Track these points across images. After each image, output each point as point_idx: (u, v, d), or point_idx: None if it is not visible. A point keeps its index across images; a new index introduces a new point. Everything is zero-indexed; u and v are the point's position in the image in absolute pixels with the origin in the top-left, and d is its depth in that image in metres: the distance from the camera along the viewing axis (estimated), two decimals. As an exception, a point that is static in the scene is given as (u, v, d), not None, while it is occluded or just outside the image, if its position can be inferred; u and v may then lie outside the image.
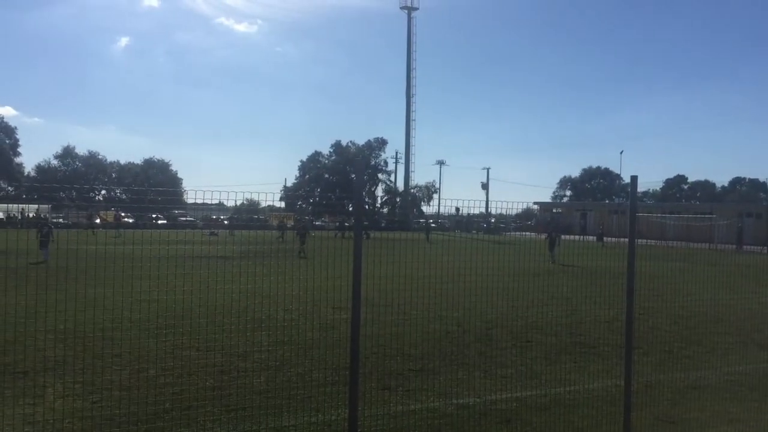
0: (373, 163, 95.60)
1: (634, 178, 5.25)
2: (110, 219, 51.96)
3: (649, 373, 9.37)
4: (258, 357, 9.34)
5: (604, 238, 43.77)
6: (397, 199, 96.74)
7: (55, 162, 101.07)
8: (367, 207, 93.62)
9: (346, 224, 51.08)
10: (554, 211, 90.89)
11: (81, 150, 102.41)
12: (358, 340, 5.11)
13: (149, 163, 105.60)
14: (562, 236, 34.03)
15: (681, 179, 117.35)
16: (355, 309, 5.00)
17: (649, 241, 37.84)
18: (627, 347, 5.55)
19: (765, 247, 40.94)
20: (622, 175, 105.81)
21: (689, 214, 63.80)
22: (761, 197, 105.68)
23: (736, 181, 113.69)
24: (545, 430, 6.98)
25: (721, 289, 15.81)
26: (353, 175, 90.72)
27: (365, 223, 60.59)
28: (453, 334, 11.71)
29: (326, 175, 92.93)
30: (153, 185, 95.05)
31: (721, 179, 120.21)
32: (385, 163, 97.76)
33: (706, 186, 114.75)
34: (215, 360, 8.99)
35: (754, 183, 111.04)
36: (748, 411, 7.76)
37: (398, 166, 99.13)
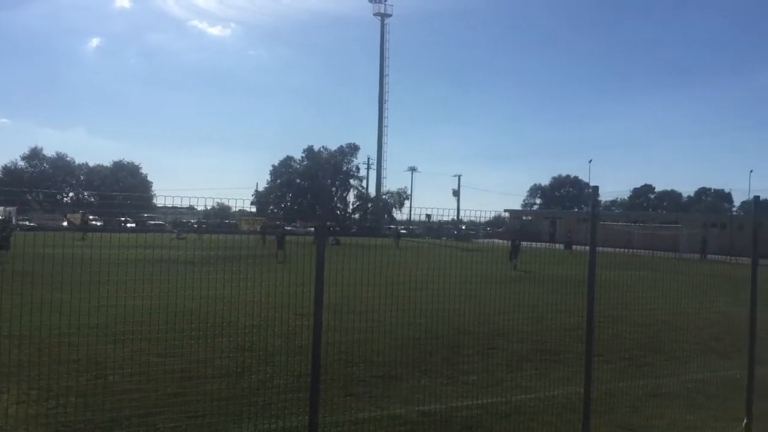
0: (345, 168, 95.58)
1: (595, 188, 5.32)
2: (78, 221, 51.13)
3: (610, 380, 9.45)
4: (220, 363, 9.23)
5: (573, 246, 44.24)
6: (369, 205, 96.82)
7: (21, 163, 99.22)
8: (338, 212, 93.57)
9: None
10: (524, 218, 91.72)
11: (49, 151, 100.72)
12: (320, 347, 5.06)
13: (119, 166, 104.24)
14: (533, 244, 34.35)
15: (648, 189, 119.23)
16: (317, 315, 4.96)
17: (615, 249, 38.30)
18: (587, 355, 5.59)
19: (729, 257, 41.72)
20: (590, 184, 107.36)
21: (655, 223, 64.83)
22: (726, 207, 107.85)
23: (702, 192, 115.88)
24: (506, 437, 6.99)
25: (683, 297, 16.05)
26: (328, 180, 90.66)
27: (336, 228, 60.47)
28: (419, 340, 11.70)
29: (298, 180, 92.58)
30: (122, 188, 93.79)
31: (687, 189, 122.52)
32: (357, 168, 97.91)
33: (672, 195, 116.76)
34: (176, 366, 8.85)
35: (719, 193, 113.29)
36: (705, 419, 7.87)
37: (370, 171, 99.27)
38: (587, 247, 5.69)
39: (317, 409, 5.08)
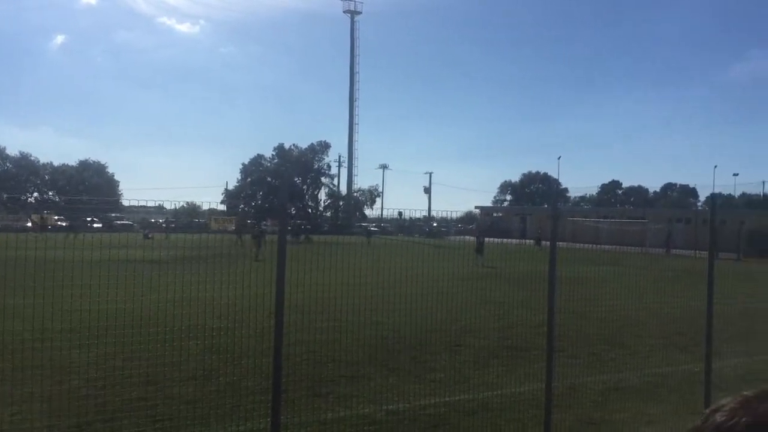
0: (316, 166, 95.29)
1: (556, 182, 5.41)
2: (42, 222, 50.14)
3: (575, 375, 9.61)
4: (186, 366, 9.18)
5: (542, 242, 44.80)
6: (340, 203, 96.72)
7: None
8: (309, 210, 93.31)
9: (289, 228, 50.73)
10: (494, 215, 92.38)
11: (12, 151, 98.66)
12: (281, 349, 5.09)
13: (84, 165, 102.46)
14: (503, 240, 34.73)
15: (616, 185, 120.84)
16: (279, 316, 4.98)
17: (583, 245, 38.84)
18: (548, 349, 5.70)
19: (695, 251, 42.51)
20: (560, 180, 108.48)
21: (623, 218, 65.81)
22: (691, 202, 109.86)
23: (668, 187, 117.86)
24: (471, 434, 7.09)
25: (647, 292, 16.36)
26: (297, 179, 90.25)
27: (307, 227, 60.30)
28: (387, 339, 11.77)
29: (268, 179, 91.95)
30: (88, 188, 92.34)
31: (654, 185, 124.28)
32: (329, 166, 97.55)
33: (639, 191, 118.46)
34: (142, 370, 8.79)
35: (685, 189, 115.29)
36: (666, 412, 8.06)
37: (341, 169, 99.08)
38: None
39: (279, 411, 5.10)
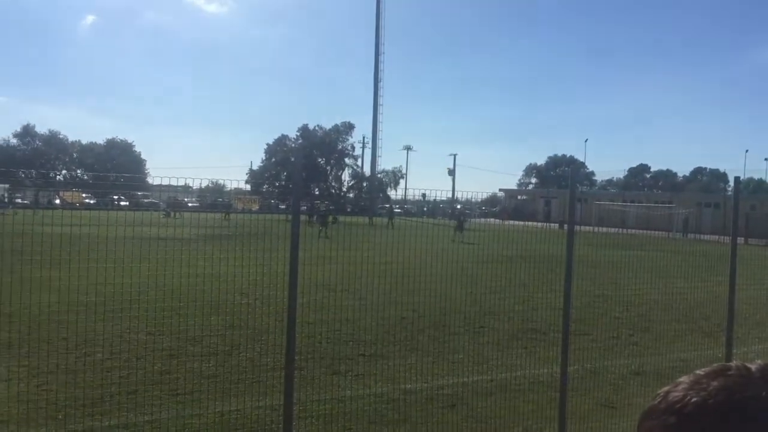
0: (340, 147, 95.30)
1: (573, 168, 5.37)
2: (73, 200, 50.83)
3: (596, 359, 9.59)
4: (209, 341, 9.33)
5: (565, 226, 44.49)
6: (364, 184, 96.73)
7: (14, 141, 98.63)
8: (333, 192, 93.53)
9: (315, 211, 50.99)
10: (519, 198, 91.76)
11: (42, 129, 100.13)
12: (294, 328, 5.12)
13: (112, 144, 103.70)
14: (527, 223, 34.91)
15: (644, 168, 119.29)
16: (292, 300, 5.00)
17: (610, 229, 38.51)
18: (564, 331, 5.69)
19: (721, 237, 41.87)
20: (587, 164, 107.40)
21: (650, 203, 64.99)
22: (721, 188, 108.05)
23: (698, 171, 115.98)
24: (488, 414, 7.12)
25: (673, 277, 16.19)
26: (320, 159, 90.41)
27: (331, 208, 60.43)
28: (408, 319, 11.82)
29: (292, 159, 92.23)
30: (115, 166, 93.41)
31: (683, 169, 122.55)
32: (353, 147, 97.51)
33: (667, 175, 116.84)
34: (165, 344, 8.96)
35: (715, 173, 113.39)
36: (686, 396, 8.00)
37: (365, 150, 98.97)
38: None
39: (292, 389, 5.12)
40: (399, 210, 64.48)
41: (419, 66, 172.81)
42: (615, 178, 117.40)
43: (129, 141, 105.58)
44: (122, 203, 50.66)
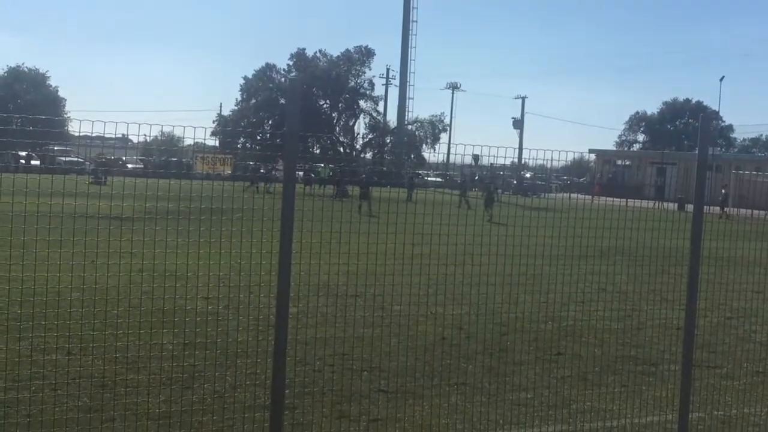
0: (352, 84, 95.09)
1: (703, 120, 5.35)
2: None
3: (730, 403, 9.59)
4: (158, 366, 9.44)
5: (725, 208, 44.44)
6: (388, 140, 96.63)
7: None
8: (342, 150, 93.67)
9: (312, 174, 51.21)
10: (619, 162, 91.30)
11: None
12: (284, 347, 5.21)
13: (16, 74, 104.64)
14: (634, 202, 34.71)
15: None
16: (282, 300, 5.09)
17: (755, 212, 38.18)
18: (685, 364, 5.71)
19: None
20: (722, 114, 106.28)
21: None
22: None
23: None
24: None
25: None
26: (323, 102, 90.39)
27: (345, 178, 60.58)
28: (450, 340, 11.87)
29: (281, 101, 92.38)
30: (20, 107, 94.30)
31: None
32: (371, 84, 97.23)
33: None
34: (94, 370, 9.08)
35: None
36: None
37: (390, 89, 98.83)
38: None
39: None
40: (433, 177, 64.42)
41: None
42: (764, 136, 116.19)
43: (41, 71, 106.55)
44: (32, 162, 51.27)
